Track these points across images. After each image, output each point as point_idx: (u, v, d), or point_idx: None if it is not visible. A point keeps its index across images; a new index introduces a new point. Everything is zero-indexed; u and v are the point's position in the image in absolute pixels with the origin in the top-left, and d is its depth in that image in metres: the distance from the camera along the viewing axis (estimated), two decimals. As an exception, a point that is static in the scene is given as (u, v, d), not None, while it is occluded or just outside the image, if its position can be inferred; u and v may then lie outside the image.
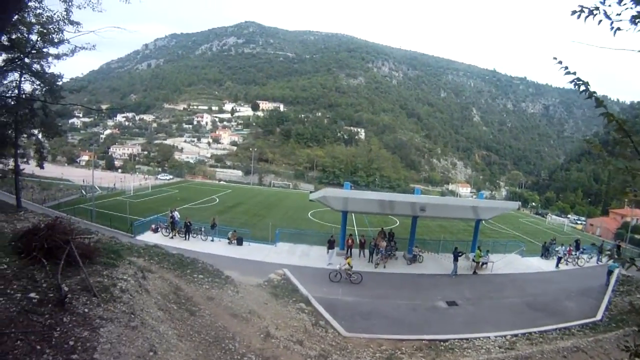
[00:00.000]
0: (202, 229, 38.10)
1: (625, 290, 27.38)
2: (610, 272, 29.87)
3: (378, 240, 33.93)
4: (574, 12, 4.64)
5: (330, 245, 32.22)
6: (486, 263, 33.49)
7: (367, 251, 34.32)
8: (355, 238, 37.10)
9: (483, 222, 44.51)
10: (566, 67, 4.65)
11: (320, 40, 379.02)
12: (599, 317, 23.21)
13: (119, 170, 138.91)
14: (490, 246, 38.80)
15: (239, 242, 36.27)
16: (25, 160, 44.70)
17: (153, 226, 39.31)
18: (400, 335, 18.43)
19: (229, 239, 36.59)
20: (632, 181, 4.65)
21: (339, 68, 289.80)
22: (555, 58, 4.88)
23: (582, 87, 4.52)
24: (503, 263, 35.34)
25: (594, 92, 4.56)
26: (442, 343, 18.05)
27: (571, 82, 4.60)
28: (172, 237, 36.60)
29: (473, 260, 33.28)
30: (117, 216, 46.14)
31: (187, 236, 36.76)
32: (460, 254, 31.99)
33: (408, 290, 26.54)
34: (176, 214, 38.32)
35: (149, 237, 35.40)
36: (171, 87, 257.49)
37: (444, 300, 24.73)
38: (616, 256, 4.88)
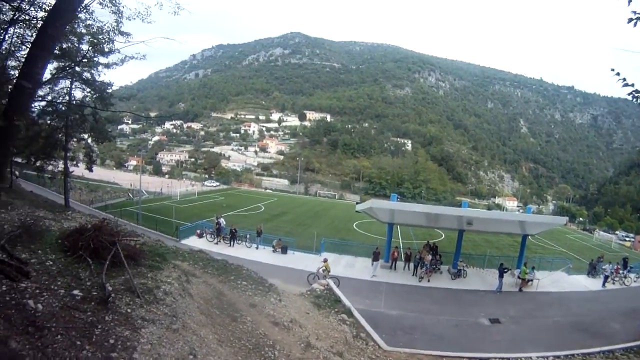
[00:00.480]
0: (247, 236, 38.49)
1: None
2: None
3: (423, 254, 33.55)
4: (630, 20, 4.46)
5: (375, 257, 31.95)
6: (531, 280, 32.53)
7: (412, 264, 33.83)
8: (400, 251, 36.50)
9: (529, 237, 43.50)
10: (624, 79, 4.49)
11: (366, 50, 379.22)
12: None
13: (166, 176, 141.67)
14: (536, 263, 37.82)
15: (284, 251, 36.42)
16: (75, 163, 46.00)
17: (198, 231, 39.87)
18: (441, 352, 18.07)
19: (273, 247, 36.83)
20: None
21: (386, 78, 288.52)
22: (612, 69, 4.74)
23: None
24: (549, 281, 34.30)
25: None
26: (483, 361, 17.72)
27: (629, 94, 4.43)
28: (216, 243, 37.06)
29: (518, 277, 32.40)
30: (162, 220, 47.04)
31: (232, 243, 37.17)
32: (505, 270, 31.15)
33: (451, 306, 26.07)
34: (222, 221, 38.82)
35: (193, 242, 35.95)
36: (219, 96, 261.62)
37: (487, 317, 24.12)
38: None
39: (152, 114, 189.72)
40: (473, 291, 30.40)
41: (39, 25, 11.43)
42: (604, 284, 35.73)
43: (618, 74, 4.61)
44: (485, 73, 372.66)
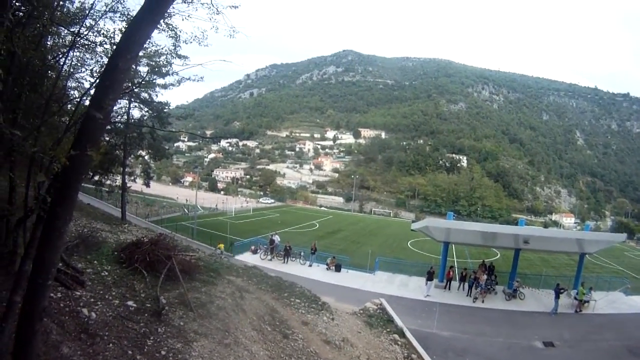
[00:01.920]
0: (302, 254, 38.75)
1: None
2: None
3: (479, 274, 32.98)
4: None
5: (429, 276, 31.48)
6: (588, 301, 31.44)
7: (466, 284, 33.31)
8: (455, 270, 36.10)
9: (587, 256, 42.25)
10: None
11: (418, 65, 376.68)
12: None
13: (222, 192, 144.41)
14: (593, 282, 36.52)
15: (337, 269, 36.44)
16: (132, 178, 47.46)
17: (252, 247, 40.42)
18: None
19: (327, 264, 36.94)
20: None
21: (439, 94, 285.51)
22: None
23: None
24: (606, 302, 32.93)
25: None
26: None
27: None
28: (270, 260, 37.44)
29: (575, 298, 31.33)
30: (217, 235, 47.68)
31: (285, 259, 37.50)
32: (562, 291, 30.25)
33: (505, 328, 25.59)
34: (277, 237, 39.25)
35: (248, 258, 36.51)
36: (273, 114, 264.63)
37: (541, 340, 23.57)
38: None
39: (208, 132, 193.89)
40: (528, 313, 29.65)
41: (97, 49, 11.91)
42: None
43: None
44: (539, 84, 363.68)
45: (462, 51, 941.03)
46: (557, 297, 29.69)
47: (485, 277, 32.67)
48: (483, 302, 30.81)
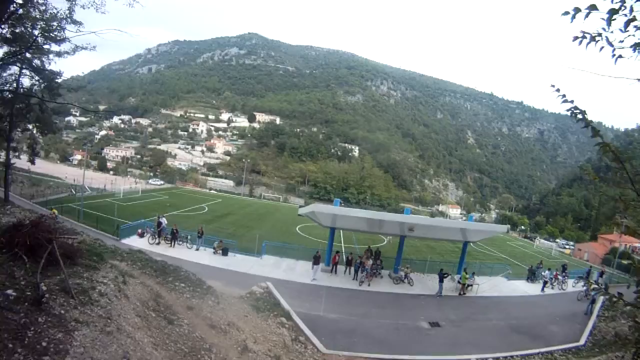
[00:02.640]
0: (189, 237, 37.89)
1: (610, 316, 27.41)
2: (593, 301, 29.82)
3: (364, 259, 33.88)
4: (575, 38, 4.57)
5: (316, 260, 31.93)
6: (471, 285, 33.55)
7: (352, 269, 34.07)
8: (342, 255, 36.70)
9: (471, 244, 44.48)
10: (564, 95, 4.60)
11: (321, 55, 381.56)
12: (582, 342, 23.45)
13: (111, 172, 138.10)
14: (476, 268, 39.29)
15: (225, 253, 36.06)
16: (17, 154, 44.48)
17: (140, 231, 39.07)
18: (380, 355, 18.37)
19: (214, 248, 36.42)
20: (624, 210, 4.60)
21: (338, 85, 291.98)
22: (553, 85, 4.84)
23: (579, 116, 4.45)
24: (488, 286, 35.48)
25: (591, 122, 4.52)
26: (422, 364, 17.98)
27: (568, 110, 4.54)
28: (158, 243, 36.35)
29: (459, 282, 33.33)
30: (104, 218, 45.86)
31: (172, 243, 36.53)
32: (445, 275, 32.00)
33: (392, 310, 26.49)
34: (164, 220, 38.10)
35: (134, 242, 35.18)
36: (170, 92, 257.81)
37: (427, 320, 24.68)
38: (600, 285, 4.82)
39: (101, 107, 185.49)
40: (414, 295, 30.95)
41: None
42: (543, 289, 37.55)
43: (558, 90, 4.70)
44: (437, 85, 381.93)
45: (366, 46, 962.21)
46: (441, 280, 31.46)
47: (370, 262, 33.73)
48: (369, 285, 31.74)
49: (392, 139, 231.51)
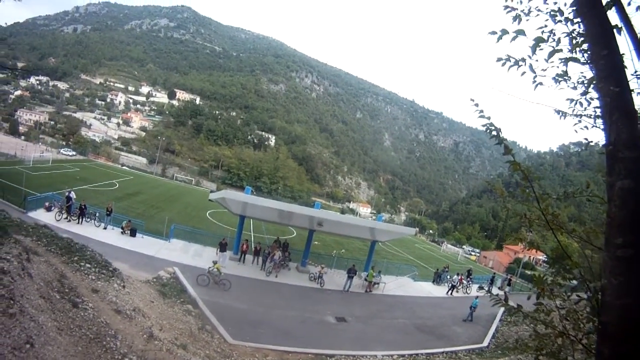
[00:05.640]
0: (97, 214, 36.29)
1: (513, 320, 29.01)
2: (474, 308, 30.78)
3: (273, 249, 33.93)
4: (499, 59, 4.73)
5: (222, 247, 31.46)
6: (378, 283, 34.34)
7: (260, 258, 34.06)
8: (251, 244, 36.53)
9: (379, 243, 45.44)
10: (481, 111, 4.65)
11: (250, 39, 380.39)
12: (485, 343, 24.76)
13: (22, 137, 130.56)
14: (383, 267, 40.30)
15: (132, 233, 34.82)
16: None
17: (47, 204, 37.16)
18: (287, 347, 18.47)
19: (122, 228, 35.02)
20: (529, 226, 4.88)
21: (263, 71, 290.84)
22: (472, 100, 4.90)
23: (494, 133, 4.59)
24: (395, 285, 36.47)
25: (505, 139, 4.57)
26: (328, 358, 18.28)
27: (484, 125, 4.63)
28: (66, 219, 34.86)
29: (365, 279, 33.97)
30: (11, 187, 43.44)
31: (80, 220, 34.78)
32: (352, 275, 32.62)
33: (299, 302, 26.72)
34: (72, 194, 36.59)
35: (40, 215, 33.33)
36: (92, 57, 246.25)
37: (334, 315, 25.10)
38: (501, 295, 5.06)
39: (20, 64, 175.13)
40: (321, 290, 31.32)
41: None
42: (448, 292, 39.35)
43: (477, 104, 4.73)
44: (360, 85, 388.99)
45: (296, 37, 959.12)
46: (349, 277, 32.13)
47: (279, 253, 33.70)
48: (277, 276, 31.78)
49: (309, 133, 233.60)
